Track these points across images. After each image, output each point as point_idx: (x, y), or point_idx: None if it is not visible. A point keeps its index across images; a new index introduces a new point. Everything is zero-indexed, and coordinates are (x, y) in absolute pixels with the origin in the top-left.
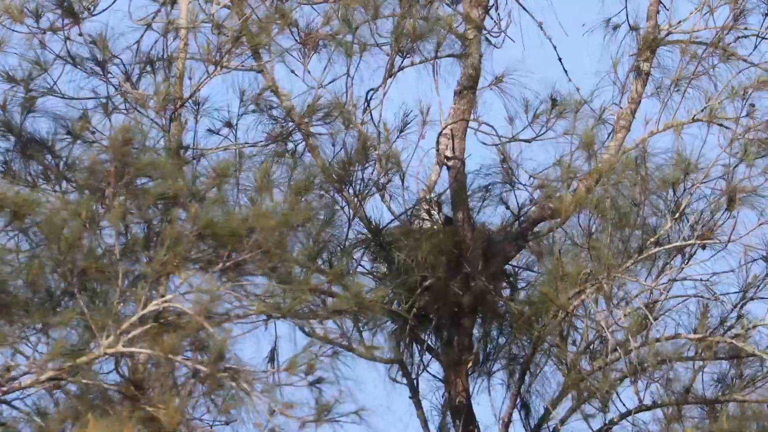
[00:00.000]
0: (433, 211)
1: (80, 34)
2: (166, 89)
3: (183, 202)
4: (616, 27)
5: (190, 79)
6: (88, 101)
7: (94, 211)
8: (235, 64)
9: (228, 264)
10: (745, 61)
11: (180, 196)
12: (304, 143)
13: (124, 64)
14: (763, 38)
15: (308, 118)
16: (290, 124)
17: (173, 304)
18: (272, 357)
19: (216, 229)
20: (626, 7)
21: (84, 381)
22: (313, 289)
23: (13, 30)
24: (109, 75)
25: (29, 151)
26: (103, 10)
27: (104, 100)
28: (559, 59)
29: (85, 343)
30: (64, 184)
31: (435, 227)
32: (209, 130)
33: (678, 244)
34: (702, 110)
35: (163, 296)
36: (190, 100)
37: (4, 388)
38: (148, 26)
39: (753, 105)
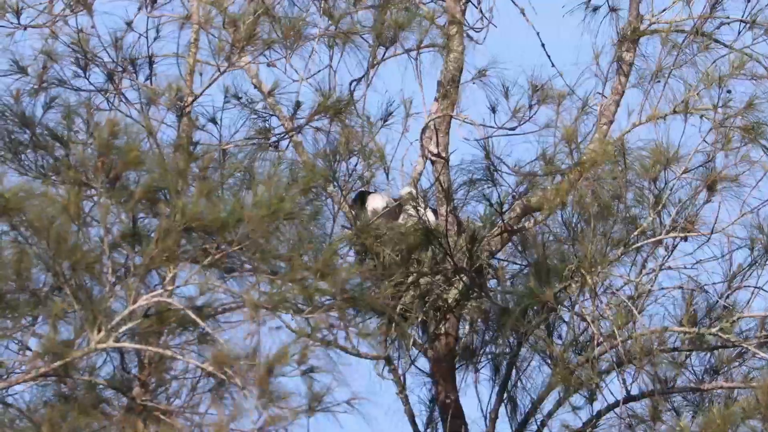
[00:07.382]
0: (419, 207)
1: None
2: (176, 85)
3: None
4: (595, 9)
5: (200, 74)
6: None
7: (82, 206)
8: (246, 61)
9: (217, 257)
10: (726, 46)
11: (168, 189)
12: (288, 140)
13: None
14: (745, 22)
15: (320, 114)
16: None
17: (163, 299)
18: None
19: (204, 221)
20: None
21: (77, 378)
22: (302, 278)
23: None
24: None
25: (41, 143)
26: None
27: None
28: (542, 45)
29: (76, 338)
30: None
31: (420, 222)
32: (195, 127)
33: (661, 237)
34: (683, 101)
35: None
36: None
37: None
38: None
39: (729, 91)
